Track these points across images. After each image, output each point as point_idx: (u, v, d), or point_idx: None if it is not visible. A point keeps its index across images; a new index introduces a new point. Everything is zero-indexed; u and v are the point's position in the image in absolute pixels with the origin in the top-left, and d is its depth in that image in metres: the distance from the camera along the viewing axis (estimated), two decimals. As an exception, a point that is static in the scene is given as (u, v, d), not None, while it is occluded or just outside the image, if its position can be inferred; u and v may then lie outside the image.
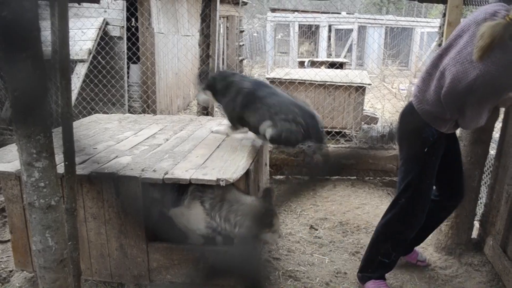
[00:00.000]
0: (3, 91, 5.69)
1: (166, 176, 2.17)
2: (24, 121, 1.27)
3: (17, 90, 1.24)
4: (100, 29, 5.94)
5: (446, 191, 2.57)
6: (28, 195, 1.37)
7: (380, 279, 2.55)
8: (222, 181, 2.10)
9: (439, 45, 3.84)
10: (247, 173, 2.28)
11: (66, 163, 1.62)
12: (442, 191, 2.57)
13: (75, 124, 3.10)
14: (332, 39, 16.07)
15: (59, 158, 1.48)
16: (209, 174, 2.18)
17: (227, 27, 12.34)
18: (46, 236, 1.43)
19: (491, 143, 2.85)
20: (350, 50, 15.64)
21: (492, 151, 3.03)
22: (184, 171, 2.23)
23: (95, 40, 5.74)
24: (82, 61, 5.66)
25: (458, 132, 2.81)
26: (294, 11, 15.15)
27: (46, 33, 4.86)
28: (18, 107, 1.27)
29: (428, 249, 3.05)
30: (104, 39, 5.83)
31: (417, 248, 2.91)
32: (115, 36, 6.20)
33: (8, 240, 2.84)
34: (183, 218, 2.42)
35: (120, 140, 2.86)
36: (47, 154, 1.34)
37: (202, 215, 2.32)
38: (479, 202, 3.02)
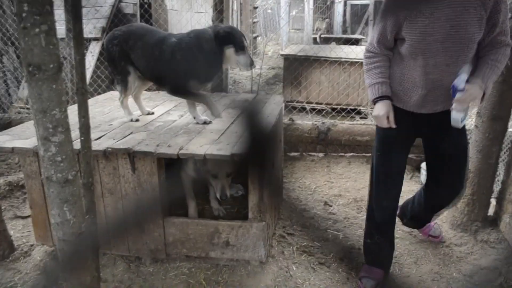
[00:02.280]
0: (20, 70, 5.74)
1: (181, 152, 2.19)
2: (39, 96, 1.28)
3: (31, 65, 1.25)
4: (113, 6, 5.90)
5: (431, 181, 2.44)
6: (45, 169, 1.39)
7: (370, 264, 2.49)
8: (236, 156, 2.11)
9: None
10: (261, 149, 2.28)
11: (82, 138, 1.64)
12: (428, 180, 2.46)
13: (90, 101, 3.12)
14: (347, 14, 15.76)
15: (75, 134, 1.50)
16: (224, 149, 2.19)
17: (240, 3, 12.18)
18: (64, 210, 1.46)
19: (510, 120, 2.79)
20: (366, 25, 15.34)
21: (511, 129, 2.97)
22: (198, 147, 2.24)
23: (109, 18, 5.72)
24: (96, 39, 5.64)
25: (475, 114, 2.74)
26: (309, -14, 14.83)
27: (60, 11, 4.86)
28: (33, 82, 1.28)
29: (443, 226, 3.03)
30: (118, 16, 5.80)
31: (432, 223, 2.86)
32: (129, 13, 6.17)
33: (29, 216, 2.91)
34: None
35: (135, 116, 2.88)
36: (63, 129, 1.36)
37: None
38: (496, 179, 2.98)
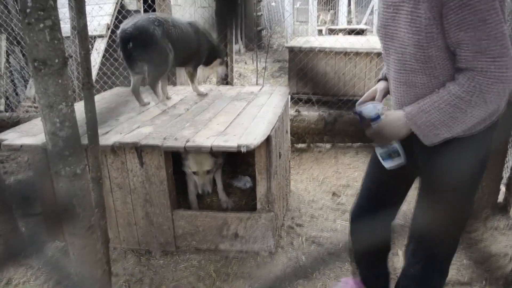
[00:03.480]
0: (26, 69, 5.78)
1: (188, 144, 2.19)
2: (45, 91, 1.29)
3: (37, 60, 1.25)
4: (117, 3, 5.90)
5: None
6: (53, 164, 1.40)
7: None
8: (243, 147, 2.11)
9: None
10: (268, 140, 2.28)
11: (89, 132, 1.65)
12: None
13: (97, 97, 3.14)
14: (352, 4, 15.63)
15: (82, 130, 1.51)
16: (230, 140, 2.19)
17: (244, -4, 12.11)
18: (73, 204, 1.47)
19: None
20: (371, 15, 15.20)
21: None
22: (205, 139, 2.25)
23: (113, 15, 5.72)
24: (101, 36, 5.66)
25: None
26: (312, -23, 14.70)
27: (64, 10, 4.87)
28: (38, 78, 1.29)
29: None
30: (122, 13, 5.81)
31: None
32: (132, 10, 6.17)
33: (40, 213, 2.93)
34: None
35: (142, 111, 2.89)
36: (70, 123, 1.36)
37: None
38: (505, 165, 2.96)
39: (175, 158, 2.56)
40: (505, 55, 1.27)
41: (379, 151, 1.59)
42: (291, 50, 6.16)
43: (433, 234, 1.66)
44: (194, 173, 2.67)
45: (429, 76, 1.45)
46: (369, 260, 2.03)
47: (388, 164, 1.61)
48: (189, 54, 3.06)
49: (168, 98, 3.22)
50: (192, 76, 3.27)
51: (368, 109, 1.56)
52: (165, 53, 2.88)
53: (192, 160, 2.63)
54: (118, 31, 2.83)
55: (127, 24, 2.81)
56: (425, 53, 1.41)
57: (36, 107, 5.15)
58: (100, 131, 1.79)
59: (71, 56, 4.86)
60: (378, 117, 1.52)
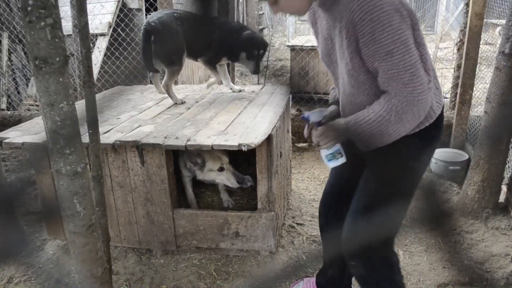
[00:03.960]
0: (28, 68, 5.78)
1: (189, 143, 2.19)
2: (46, 89, 1.29)
3: (38, 58, 1.25)
4: (119, 1, 5.90)
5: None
6: (54, 162, 1.40)
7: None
8: (244, 146, 2.11)
9: (467, 4, 3.68)
10: (269, 139, 2.28)
11: (90, 131, 1.65)
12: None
13: (98, 96, 3.14)
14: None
15: (83, 128, 1.51)
16: (231, 139, 2.19)
17: (246, -5, 12.10)
18: (74, 202, 1.47)
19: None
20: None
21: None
22: (206, 138, 2.25)
23: (115, 13, 5.72)
24: (102, 34, 5.65)
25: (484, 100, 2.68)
26: (314, -24, 14.62)
27: (66, 8, 4.87)
28: (39, 76, 1.29)
29: (454, 213, 3.01)
30: (123, 11, 5.81)
31: None
32: (134, 8, 6.17)
33: (41, 211, 2.94)
34: None
35: (143, 110, 2.89)
36: (71, 122, 1.36)
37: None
38: (507, 165, 2.95)
39: (176, 158, 2.56)
40: (414, 81, 1.42)
41: (325, 153, 1.71)
42: (293, 49, 6.15)
43: (353, 240, 1.75)
44: (221, 169, 2.65)
45: (367, 96, 1.60)
46: (339, 260, 2.05)
47: (333, 164, 1.74)
48: (199, 49, 3.08)
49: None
50: (212, 72, 3.25)
51: (315, 113, 1.76)
52: (180, 52, 2.92)
53: (212, 160, 2.63)
54: (143, 24, 2.89)
55: (152, 17, 2.86)
56: (357, 79, 1.57)
57: (37, 106, 5.15)
58: (101, 130, 1.79)
59: (73, 55, 4.86)
60: (323, 121, 1.70)
